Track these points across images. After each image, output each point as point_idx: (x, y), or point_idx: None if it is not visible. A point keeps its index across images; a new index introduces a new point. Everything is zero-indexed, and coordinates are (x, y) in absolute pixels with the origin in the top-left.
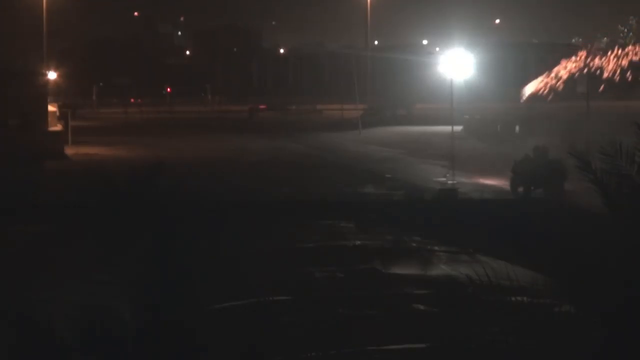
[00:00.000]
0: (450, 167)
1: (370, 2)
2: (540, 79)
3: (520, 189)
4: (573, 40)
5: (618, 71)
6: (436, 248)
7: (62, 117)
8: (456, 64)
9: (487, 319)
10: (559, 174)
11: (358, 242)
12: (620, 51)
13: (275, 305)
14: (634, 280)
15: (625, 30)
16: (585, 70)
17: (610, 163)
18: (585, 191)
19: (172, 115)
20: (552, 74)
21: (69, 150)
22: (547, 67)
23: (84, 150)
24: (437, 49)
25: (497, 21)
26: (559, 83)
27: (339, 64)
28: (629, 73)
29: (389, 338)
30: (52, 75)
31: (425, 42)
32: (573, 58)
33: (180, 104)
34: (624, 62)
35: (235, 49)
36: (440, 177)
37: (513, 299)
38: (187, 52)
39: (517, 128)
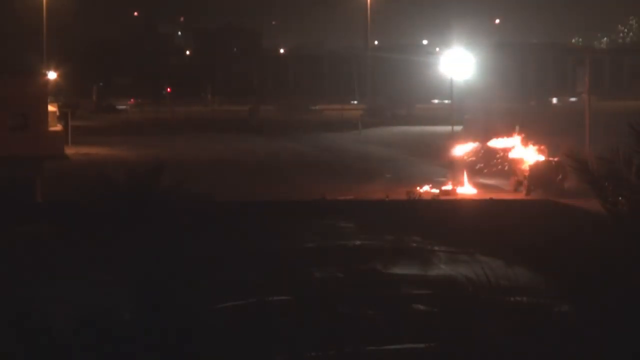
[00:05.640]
0: (449, 167)
1: (370, 2)
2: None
3: (520, 188)
4: (573, 40)
5: None
6: (436, 248)
7: (62, 117)
8: (456, 64)
9: (487, 319)
10: (558, 174)
11: (358, 242)
12: None
13: (275, 305)
14: (633, 279)
15: (625, 30)
16: None
17: (608, 166)
18: (583, 191)
19: (172, 115)
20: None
21: (69, 150)
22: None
23: (84, 150)
24: (437, 49)
25: (497, 21)
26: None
27: (339, 64)
28: None
29: (389, 338)
30: (52, 75)
31: (425, 42)
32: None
33: (180, 104)
34: None
35: (235, 49)
36: (440, 176)
37: (513, 299)
38: (187, 52)
39: (517, 128)
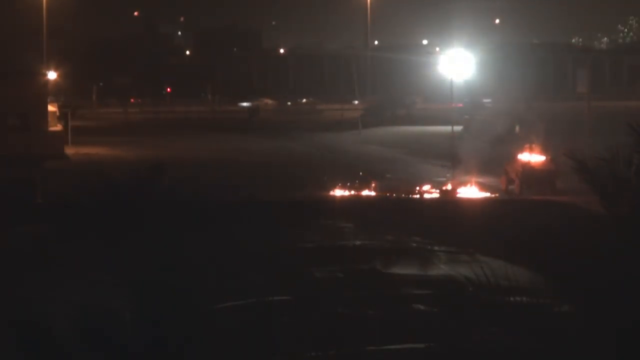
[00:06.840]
0: (449, 167)
1: (370, 2)
2: None
3: (511, 187)
4: (573, 40)
5: None
6: (436, 248)
7: (62, 117)
8: (456, 64)
9: (487, 319)
10: (553, 173)
11: (358, 242)
12: None
13: (275, 305)
14: (632, 280)
15: (626, 30)
16: None
17: (608, 165)
18: (576, 190)
19: (172, 115)
20: None
21: (69, 150)
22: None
23: (84, 150)
24: (437, 49)
25: (497, 21)
26: None
27: (339, 64)
28: None
29: (389, 338)
30: (52, 75)
31: (425, 42)
32: None
33: (180, 104)
34: None
35: (235, 49)
36: (440, 176)
37: (512, 299)
38: (187, 52)
39: (517, 128)
